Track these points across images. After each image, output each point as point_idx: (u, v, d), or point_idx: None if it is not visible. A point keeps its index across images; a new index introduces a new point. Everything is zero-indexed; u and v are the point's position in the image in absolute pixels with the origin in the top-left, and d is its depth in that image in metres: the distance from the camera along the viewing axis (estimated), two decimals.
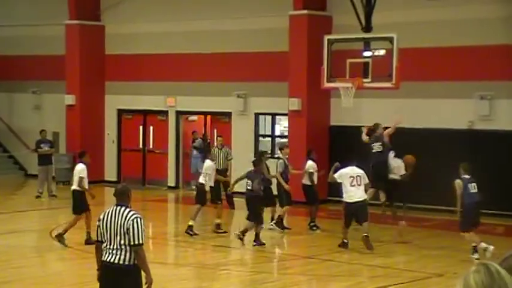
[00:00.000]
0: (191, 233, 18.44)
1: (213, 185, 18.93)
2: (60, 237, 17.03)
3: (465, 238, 16.21)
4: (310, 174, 18.93)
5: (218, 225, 18.97)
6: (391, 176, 18.00)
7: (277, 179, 19.01)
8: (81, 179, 17.20)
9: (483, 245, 15.75)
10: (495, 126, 21.22)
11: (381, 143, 18.01)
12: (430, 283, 14.26)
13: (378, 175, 17.88)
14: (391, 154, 18.13)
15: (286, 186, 18.82)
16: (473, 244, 15.90)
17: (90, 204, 17.10)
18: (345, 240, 17.24)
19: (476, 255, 15.67)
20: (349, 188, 16.97)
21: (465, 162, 16.53)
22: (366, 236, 17.00)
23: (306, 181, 19.05)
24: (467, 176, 16.21)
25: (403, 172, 17.86)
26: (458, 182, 16.20)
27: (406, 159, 17.93)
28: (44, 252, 17.69)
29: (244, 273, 15.99)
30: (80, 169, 17.41)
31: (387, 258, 16.46)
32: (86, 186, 17.26)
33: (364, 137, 18.62)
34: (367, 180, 17.18)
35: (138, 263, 9.33)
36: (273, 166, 19.63)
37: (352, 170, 17.14)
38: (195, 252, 17.65)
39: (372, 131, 18.46)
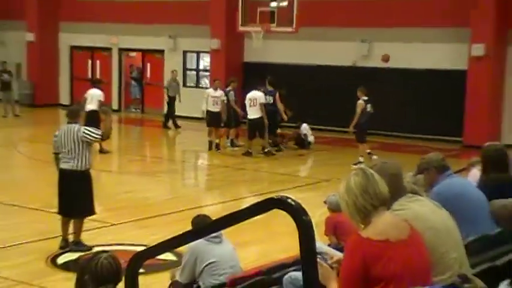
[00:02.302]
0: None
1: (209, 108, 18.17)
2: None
3: (360, 147, 16.64)
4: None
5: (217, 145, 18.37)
6: None
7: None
8: (100, 102, 16.97)
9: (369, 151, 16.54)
10: (372, 64, 21.56)
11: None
12: (319, 186, 14.54)
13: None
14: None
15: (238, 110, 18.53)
16: (361, 155, 16.32)
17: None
18: (249, 150, 17.58)
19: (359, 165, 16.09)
20: (248, 108, 17.40)
21: (362, 86, 16.75)
22: (266, 151, 17.39)
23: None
24: (366, 98, 16.41)
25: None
26: (361, 103, 16.30)
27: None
28: (9, 161, 17.40)
29: (174, 179, 16.12)
30: (99, 94, 17.34)
31: (287, 168, 16.76)
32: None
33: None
34: (262, 101, 17.34)
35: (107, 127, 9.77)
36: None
37: (253, 94, 17.46)
38: (136, 162, 17.63)
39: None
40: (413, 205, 4.00)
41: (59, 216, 9.80)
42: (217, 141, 18.30)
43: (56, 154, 9.64)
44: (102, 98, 17.26)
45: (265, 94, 17.67)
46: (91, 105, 16.99)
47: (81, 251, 9.45)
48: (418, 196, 4.18)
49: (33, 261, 9.19)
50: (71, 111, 9.94)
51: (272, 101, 17.79)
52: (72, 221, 9.75)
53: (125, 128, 24.44)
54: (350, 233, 3.62)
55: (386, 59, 18.03)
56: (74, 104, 19.62)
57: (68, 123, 9.58)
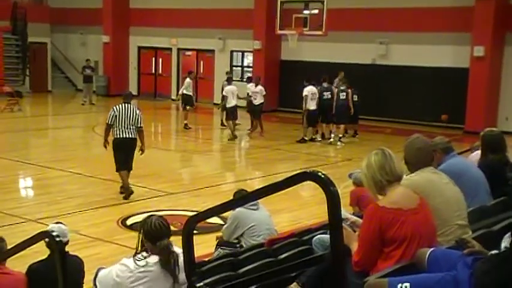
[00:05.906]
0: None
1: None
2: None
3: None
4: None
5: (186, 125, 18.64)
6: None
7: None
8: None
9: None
10: (389, 62, 21.33)
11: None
12: (342, 165, 14.46)
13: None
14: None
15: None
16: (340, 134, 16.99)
17: None
18: (305, 138, 17.01)
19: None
20: (309, 101, 16.80)
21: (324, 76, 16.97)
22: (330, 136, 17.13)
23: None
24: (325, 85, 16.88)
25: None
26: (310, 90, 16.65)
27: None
28: (88, 140, 17.65)
29: (220, 157, 16.14)
30: (228, 88, 17.57)
31: (309, 149, 16.52)
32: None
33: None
34: (317, 95, 16.82)
35: (140, 137, 10.37)
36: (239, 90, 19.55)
37: (311, 89, 16.98)
38: (189, 143, 17.67)
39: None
40: (430, 175, 3.97)
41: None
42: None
43: (109, 125, 10.27)
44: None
45: (325, 91, 16.94)
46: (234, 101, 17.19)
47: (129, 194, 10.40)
48: (438, 170, 4.17)
49: (106, 222, 9.33)
50: (128, 95, 10.74)
51: (330, 97, 16.90)
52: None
53: (181, 114, 24.53)
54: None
55: (445, 118, 18.50)
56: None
57: (125, 103, 10.19)
